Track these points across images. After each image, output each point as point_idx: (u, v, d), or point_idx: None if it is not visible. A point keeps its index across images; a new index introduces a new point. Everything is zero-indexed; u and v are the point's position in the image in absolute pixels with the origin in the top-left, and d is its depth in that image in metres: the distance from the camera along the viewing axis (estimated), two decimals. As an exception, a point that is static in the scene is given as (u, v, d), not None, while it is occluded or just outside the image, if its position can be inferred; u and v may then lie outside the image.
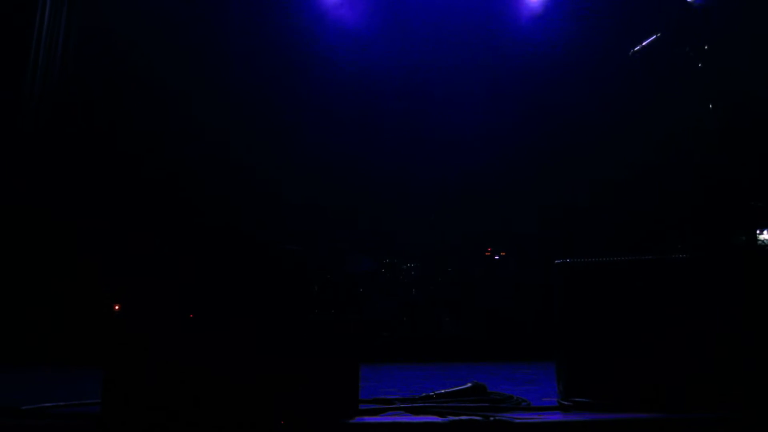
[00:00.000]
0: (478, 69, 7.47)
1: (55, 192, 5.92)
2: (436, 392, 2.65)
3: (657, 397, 2.46)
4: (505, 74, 7.45)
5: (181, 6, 6.80)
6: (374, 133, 7.25)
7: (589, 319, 2.66)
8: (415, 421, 2.26)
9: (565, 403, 2.57)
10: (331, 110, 7.16)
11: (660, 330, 2.53)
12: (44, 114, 6.05)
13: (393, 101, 7.32)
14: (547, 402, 2.71)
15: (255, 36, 7.11)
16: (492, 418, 2.21)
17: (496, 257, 6.90)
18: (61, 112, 6.16)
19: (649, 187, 6.43)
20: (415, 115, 7.39)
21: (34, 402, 2.50)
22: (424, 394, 2.67)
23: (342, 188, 6.95)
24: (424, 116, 7.40)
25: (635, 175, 6.49)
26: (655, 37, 3.94)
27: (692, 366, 2.45)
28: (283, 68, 7.14)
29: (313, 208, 6.79)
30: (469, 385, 2.69)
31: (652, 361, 2.51)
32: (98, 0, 6.57)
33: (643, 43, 3.99)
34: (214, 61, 6.95)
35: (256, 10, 7.14)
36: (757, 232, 5.17)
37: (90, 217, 5.89)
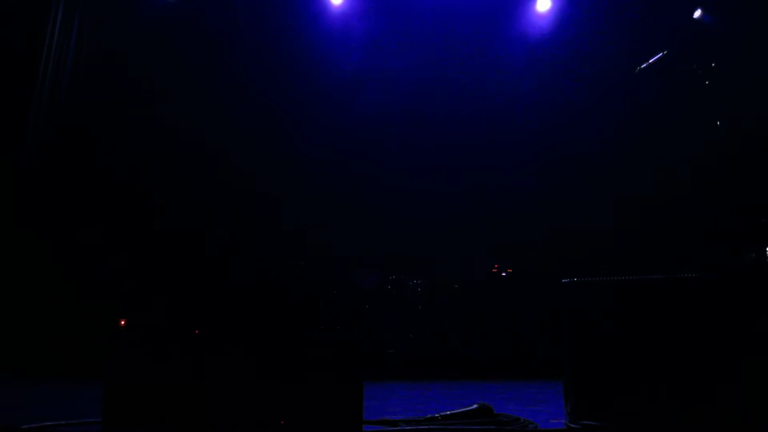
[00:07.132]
0: (485, 82, 7.46)
1: (60, 209, 5.95)
2: (442, 414, 2.61)
3: (667, 422, 2.41)
4: (512, 91, 7.45)
5: (189, 30, 6.88)
6: (380, 148, 7.24)
7: (597, 340, 2.61)
8: (419, 443, 2.22)
9: (573, 425, 2.52)
10: (335, 125, 7.17)
11: (671, 351, 2.48)
12: (52, 134, 6.12)
13: (399, 116, 7.32)
14: (554, 424, 2.67)
15: (264, 52, 7.14)
16: (498, 442, 2.17)
17: (503, 274, 6.85)
18: (68, 133, 6.23)
19: (658, 206, 6.38)
20: (423, 130, 7.38)
21: (34, 419, 2.48)
22: (429, 416, 2.63)
23: (347, 203, 6.93)
24: (432, 131, 7.39)
25: (645, 193, 6.44)
26: (661, 54, 3.92)
27: (700, 389, 2.40)
28: (287, 81, 7.16)
29: (320, 224, 6.77)
30: (475, 406, 2.65)
31: (662, 384, 2.46)
32: (106, 24, 6.65)
33: (650, 60, 3.97)
34: (219, 77, 6.99)
35: (265, 28, 7.17)
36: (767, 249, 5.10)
37: (96, 234, 5.92)
